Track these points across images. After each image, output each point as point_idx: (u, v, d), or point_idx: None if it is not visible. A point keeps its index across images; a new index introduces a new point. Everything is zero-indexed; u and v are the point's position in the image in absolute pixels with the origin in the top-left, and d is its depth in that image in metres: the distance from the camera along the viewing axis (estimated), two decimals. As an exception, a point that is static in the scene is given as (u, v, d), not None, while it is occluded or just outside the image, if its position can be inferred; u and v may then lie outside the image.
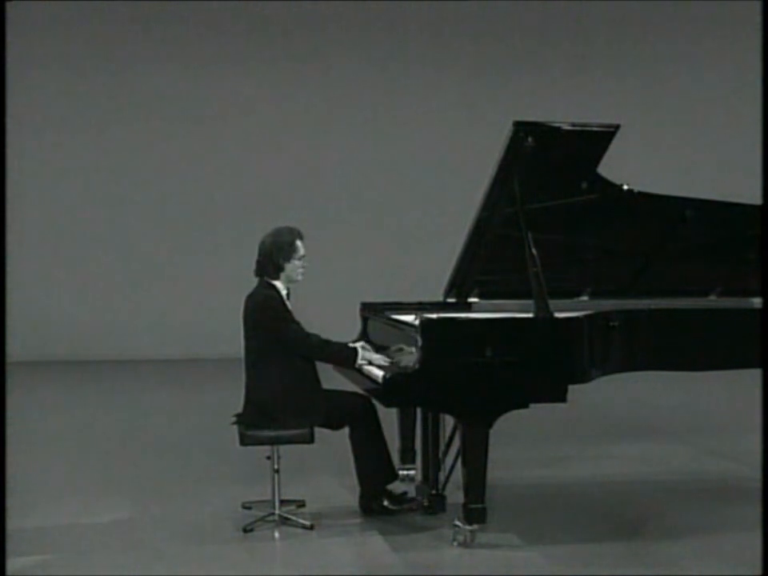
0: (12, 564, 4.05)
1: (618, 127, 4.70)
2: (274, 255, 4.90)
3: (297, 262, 4.92)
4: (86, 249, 11.92)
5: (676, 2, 12.43)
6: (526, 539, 4.69)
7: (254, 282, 5.14)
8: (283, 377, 4.80)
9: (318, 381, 4.93)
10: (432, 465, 5.09)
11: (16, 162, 9.85)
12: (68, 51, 11.85)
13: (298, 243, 4.93)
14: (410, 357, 4.60)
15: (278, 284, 4.93)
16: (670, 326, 4.95)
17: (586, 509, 5.26)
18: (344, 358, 4.85)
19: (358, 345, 4.91)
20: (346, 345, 4.94)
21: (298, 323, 4.88)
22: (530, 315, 4.65)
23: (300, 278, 4.97)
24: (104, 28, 11.87)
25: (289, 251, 4.90)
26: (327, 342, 4.88)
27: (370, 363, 4.75)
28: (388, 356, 4.83)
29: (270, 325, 4.84)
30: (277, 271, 4.91)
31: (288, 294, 4.97)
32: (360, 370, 4.78)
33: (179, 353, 11.72)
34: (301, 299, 5.08)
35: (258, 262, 4.96)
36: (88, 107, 11.89)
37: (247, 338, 4.95)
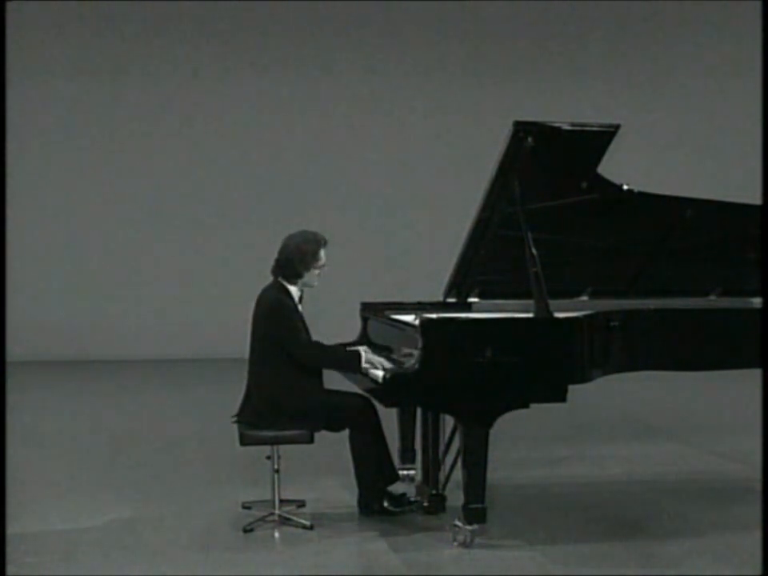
0: (11, 563, 4.05)
1: (618, 127, 4.70)
2: (295, 262, 4.83)
3: (316, 271, 4.88)
4: (86, 249, 11.93)
5: (676, 2, 12.43)
6: (526, 539, 4.69)
7: (255, 282, 5.13)
8: (284, 380, 4.78)
9: (320, 385, 4.91)
10: (432, 465, 5.10)
11: (16, 162, 9.86)
12: (68, 52, 11.85)
13: (322, 253, 4.87)
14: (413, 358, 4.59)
15: (293, 288, 4.88)
16: (670, 326, 4.95)
17: (586, 509, 5.26)
18: (347, 364, 4.82)
19: (361, 349, 4.89)
20: (348, 351, 4.90)
21: (305, 331, 4.85)
22: (530, 315, 4.65)
23: (316, 284, 4.93)
24: (104, 28, 11.87)
25: (311, 261, 4.84)
26: (330, 352, 4.85)
27: (374, 366, 4.74)
28: (396, 360, 4.81)
29: (277, 331, 4.80)
30: (295, 277, 4.87)
31: (301, 297, 4.94)
32: (365, 374, 4.76)
33: (179, 353, 11.72)
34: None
35: (278, 262, 4.89)
36: (88, 106, 11.89)
37: (253, 336, 4.93)
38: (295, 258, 4.83)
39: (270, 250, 5.01)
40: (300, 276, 4.87)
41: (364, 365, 4.74)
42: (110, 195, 11.96)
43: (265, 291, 4.93)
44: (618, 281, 5.56)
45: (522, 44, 12.48)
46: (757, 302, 5.38)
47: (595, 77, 12.53)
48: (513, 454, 6.33)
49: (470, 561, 4.41)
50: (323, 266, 4.90)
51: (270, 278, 4.96)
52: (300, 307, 4.91)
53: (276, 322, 4.80)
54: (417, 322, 4.57)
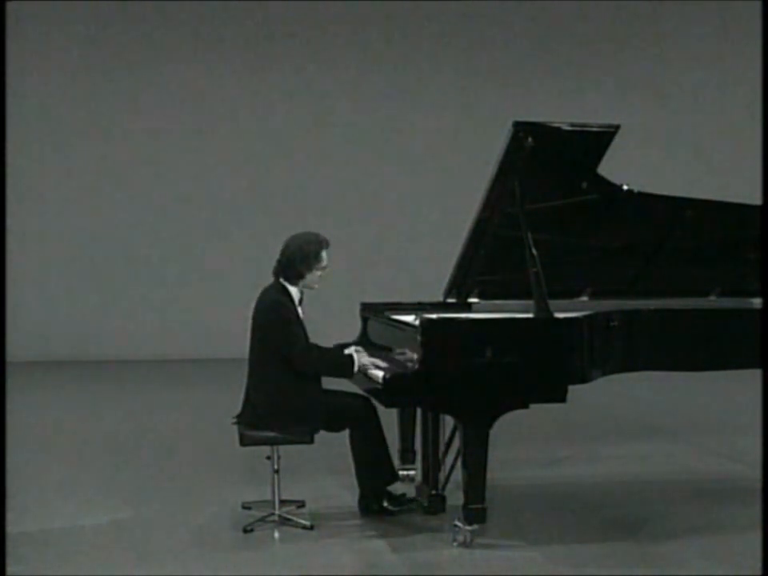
0: (12, 564, 4.05)
1: (618, 127, 4.70)
2: (296, 263, 4.82)
3: (318, 272, 4.87)
4: (85, 249, 11.92)
5: (676, 2, 12.43)
6: (525, 539, 4.69)
7: (255, 282, 5.12)
8: (283, 381, 4.77)
9: (319, 385, 4.90)
10: (432, 465, 5.09)
11: (16, 162, 9.87)
12: (69, 51, 11.85)
13: (323, 254, 4.87)
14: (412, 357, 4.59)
15: (293, 289, 4.88)
16: (670, 326, 4.95)
17: (585, 509, 5.26)
18: (341, 370, 4.82)
19: (352, 350, 4.90)
20: (340, 357, 4.89)
21: (303, 334, 4.84)
22: (530, 315, 4.65)
23: (317, 286, 4.93)
24: (105, 28, 11.87)
25: (313, 262, 4.83)
26: (324, 360, 4.85)
27: (368, 369, 4.73)
28: (394, 359, 4.80)
29: (274, 333, 4.79)
30: (297, 278, 4.86)
31: (301, 299, 4.93)
32: (364, 373, 4.76)
33: (179, 353, 11.72)
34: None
35: (279, 263, 4.88)
36: (88, 106, 11.88)
37: (253, 337, 4.93)
38: (297, 258, 4.83)
39: (271, 251, 5.01)
40: (302, 276, 4.86)
41: (356, 371, 4.75)
42: (110, 195, 11.95)
43: (265, 292, 4.93)
44: (618, 281, 5.56)
45: (522, 44, 12.47)
46: (757, 302, 5.38)
47: (595, 77, 12.52)
48: (513, 454, 6.33)
49: (470, 561, 4.41)
50: (325, 267, 4.89)
51: (271, 279, 4.96)
52: (300, 309, 4.91)
53: (274, 323, 4.80)
54: (417, 323, 4.57)
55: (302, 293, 4.93)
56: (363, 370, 4.75)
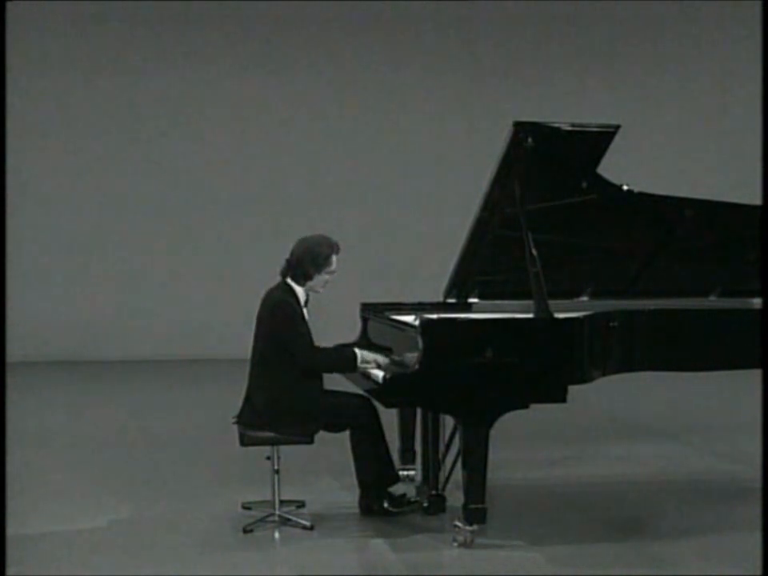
0: (11, 564, 4.05)
1: (618, 127, 4.70)
2: (305, 263, 4.83)
3: (325, 276, 4.87)
4: (86, 249, 11.91)
5: (676, 2, 12.43)
6: (526, 539, 4.69)
7: (256, 283, 5.12)
8: (284, 381, 4.77)
9: (320, 386, 4.89)
10: (432, 465, 5.09)
11: (16, 162, 9.86)
12: (69, 51, 11.83)
13: (333, 258, 4.87)
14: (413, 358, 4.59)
15: (299, 290, 4.88)
16: (670, 326, 4.95)
17: (585, 509, 5.26)
18: (344, 365, 4.82)
19: (356, 349, 4.90)
20: (344, 352, 4.90)
21: (308, 334, 4.84)
22: (530, 315, 4.65)
23: (322, 290, 4.92)
24: (105, 27, 11.85)
25: (322, 264, 4.84)
26: (327, 356, 4.86)
27: (370, 364, 4.73)
28: (396, 360, 4.81)
29: (280, 331, 4.79)
30: (304, 279, 4.86)
31: (306, 301, 4.93)
32: (364, 374, 4.76)
33: (179, 353, 11.71)
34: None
35: (288, 263, 4.89)
36: (89, 106, 11.87)
37: (256, 337, 4.93)
38: (306, 259, 4.83)
39: (272, 251, 5.01)
40: (309, 277, 4.86)
41: (360, 364, 4.74)
42: (111, 194, 11.93)
43: (270, 291, 4.93)
44: (618, 281, 5.56)
45: (521, 44, 12.46)
46: (757, 302, 5.38)
47: (595, 77, 12.52)
48: (513, 454, 6.33)
49: (470, 561, 4.41)
50: (333, 271, 4.89)
51: (275, 281, 4.95)
52: (306, 310, 4.90)
53: (280, 321, 4.80)
54: (417, 323, 4.57)
55: (307, 295, 4.92)
56: (365, 367, 4.75)
